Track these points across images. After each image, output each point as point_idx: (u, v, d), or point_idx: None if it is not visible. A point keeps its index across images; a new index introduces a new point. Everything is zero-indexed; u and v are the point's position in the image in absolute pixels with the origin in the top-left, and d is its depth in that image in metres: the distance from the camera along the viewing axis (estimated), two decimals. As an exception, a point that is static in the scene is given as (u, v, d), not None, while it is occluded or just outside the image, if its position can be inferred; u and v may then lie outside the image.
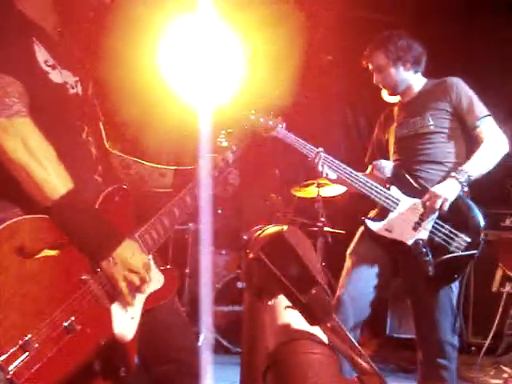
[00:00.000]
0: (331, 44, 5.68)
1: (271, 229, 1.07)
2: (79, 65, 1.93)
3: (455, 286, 2.93)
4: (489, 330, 4.27)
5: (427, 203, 2.83)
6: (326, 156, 2.98)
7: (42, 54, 1.76)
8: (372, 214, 3.07)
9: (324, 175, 3.01)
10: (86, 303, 1.67)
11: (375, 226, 2.95)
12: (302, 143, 2.99)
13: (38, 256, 1.60)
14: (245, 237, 4.48)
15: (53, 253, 1.63)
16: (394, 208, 2.91)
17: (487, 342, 4.25)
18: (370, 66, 3.16)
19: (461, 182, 2.82)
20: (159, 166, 2.22)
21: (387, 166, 3.00)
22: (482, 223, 2.86)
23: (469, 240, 2.80)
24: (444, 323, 2.91)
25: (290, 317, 0.97)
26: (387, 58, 3.08)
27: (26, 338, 1.52)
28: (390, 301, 5.03)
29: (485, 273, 5.16)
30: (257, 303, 1.49)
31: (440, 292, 2.89)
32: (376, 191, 2.92)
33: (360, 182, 2.94)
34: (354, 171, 2.97)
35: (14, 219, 1.59)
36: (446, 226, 2.84)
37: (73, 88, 1.85)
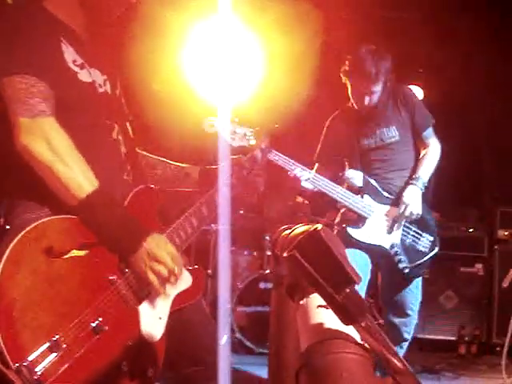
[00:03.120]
0: (351, 43, 5.65)
1: (301, 228, 1.05)
2: (107, 63, 1.92)
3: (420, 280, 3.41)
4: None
5: (403, 213, 3.18)
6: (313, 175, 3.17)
7: (70, 54, 1.75)
8: (338, 219, 3.40)
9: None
10: (114, 304, 1.67)
11: (356, 233, 3.23)
12: (287, 161, 3.09)
13: (66, 256, 1.59)
14: (267, 237, 4.46)
15: (81, 253, 1.62)
16: (370, 215, 3.23)
17: (506, 342, 4.20)
18: (353, 87, 3.29)
19: (421, 189, 3.23)
20: (184, 165, 2.21)
21: (356, 176, 3.27)
22: (435, 223, 3.39)
23: (431, 239, 3.30)
24: (414, 313, 3.36)
25: (323, 316, 0.96)
26: (382, 84, 3.25)
27: (54, 339, 1.52)
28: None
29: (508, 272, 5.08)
30: (285, 303, 1.47)
31: (412, 286, 3.32)
32: (353, 200, 3.22)
33: (338, 193, 3.20)
34: (333, 183, 3.21)
35: (42, 220, 1.59)
36: (413, 228, 3.29)
37: (101, 87, 1.85)
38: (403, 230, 3.26)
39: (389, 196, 3.28)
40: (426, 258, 3.28)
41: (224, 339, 2.00)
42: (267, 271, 4.89)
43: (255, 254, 5.22)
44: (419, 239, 3.28)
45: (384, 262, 3.32)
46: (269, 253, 5.00)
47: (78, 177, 1.64)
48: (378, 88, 3.24)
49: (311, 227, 0.91)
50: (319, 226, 0.87)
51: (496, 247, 5.23)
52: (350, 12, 5.15)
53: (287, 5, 4.67)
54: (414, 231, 3.29)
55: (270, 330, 1.55)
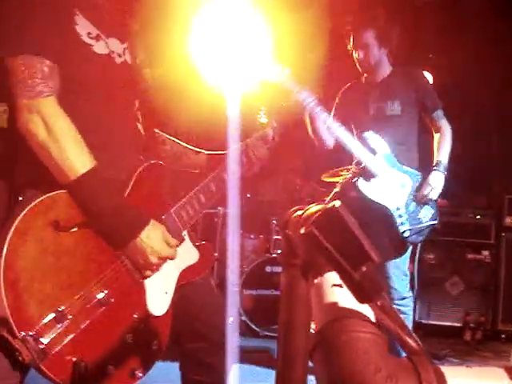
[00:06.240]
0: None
1: (316, 207, 1.04)
2: (127, 31, 1.88)
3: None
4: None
5: (426, 195, 3.35)
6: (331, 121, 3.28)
7: (83, 27, 1.71)
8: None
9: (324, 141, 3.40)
10: (120, 277, 1.68)
11: (365, 187, 3.36)
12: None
13: (72, 230, 1.60)
14: (274, 221, 4.44)
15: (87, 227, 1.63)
16: (380, 174, 3.35)
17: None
18: (352, 41, 3.38)
19: (443, 173, 3.40)
20: (193, 148, 2.19)
21: (373, 137, 3.36)
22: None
23: (433, 211, 3.43)
24: (404, 281, 3.44)
25: (338, 295, 0.94)
26: (375, 38, 3.32)
27: (60, 310, 1.54)
28: (419, 287, 5.00)
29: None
30: (295, 285, 1.46)
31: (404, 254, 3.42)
32: (367, 156, 3.32)
33: (354, 145, 3.32)
34: (350, 135, 3.34)
35: (50, 193, 1.59)
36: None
37: (120, 56, 1.81)
38: (408, 197, 3.39)
39: (398, 163, 3.40)
40: (426, 224, 3.42)
41: (230, 320, 2.01)
42: (274, 255, 4.90)
43: (262, 237, 5.23)
44: (422, 208, 3.42)
45: (379, 225, 3.38)
46: (276, 236, 5.00)
47: (70, 157, 1.61)
48: (368, 39, 3.31)
49: (328, 205, 0.89)
50: (337, 203, 0.85)
51: (503, 234, 5.21)
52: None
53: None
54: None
55: (279, 312, 1.54)
